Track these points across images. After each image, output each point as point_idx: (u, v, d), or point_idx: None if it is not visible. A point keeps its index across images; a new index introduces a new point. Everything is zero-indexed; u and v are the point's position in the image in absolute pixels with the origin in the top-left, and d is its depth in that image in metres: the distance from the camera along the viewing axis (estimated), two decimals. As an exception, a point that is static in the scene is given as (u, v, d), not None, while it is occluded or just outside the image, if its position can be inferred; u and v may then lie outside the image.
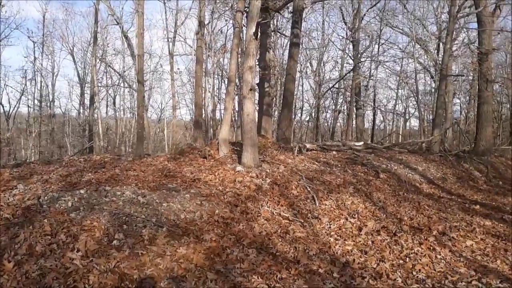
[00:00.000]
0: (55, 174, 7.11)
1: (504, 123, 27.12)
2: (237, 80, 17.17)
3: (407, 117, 30.62)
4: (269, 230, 5.81)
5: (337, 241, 5.86)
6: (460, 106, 28.68)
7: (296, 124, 28.37)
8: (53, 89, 29.61)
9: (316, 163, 9.94)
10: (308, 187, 7.84)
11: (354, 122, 24.52)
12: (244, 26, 10.84)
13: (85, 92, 29.05)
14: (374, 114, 26.32)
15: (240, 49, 12.92)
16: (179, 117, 30.99)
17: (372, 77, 24.73)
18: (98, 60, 25.46)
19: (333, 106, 26.96)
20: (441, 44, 19.49)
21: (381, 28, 22.71)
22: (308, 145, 11.77)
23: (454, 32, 19.43)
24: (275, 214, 6.45)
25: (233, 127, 22.26)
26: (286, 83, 13.19)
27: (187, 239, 4.92)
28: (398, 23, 21.54)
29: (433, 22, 21.84)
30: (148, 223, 5.08)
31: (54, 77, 29.48)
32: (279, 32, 19.24)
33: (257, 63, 15.17)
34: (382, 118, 31.89)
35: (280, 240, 5.55)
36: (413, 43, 19.11)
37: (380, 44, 23.66)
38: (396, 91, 27.91)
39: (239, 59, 15.83)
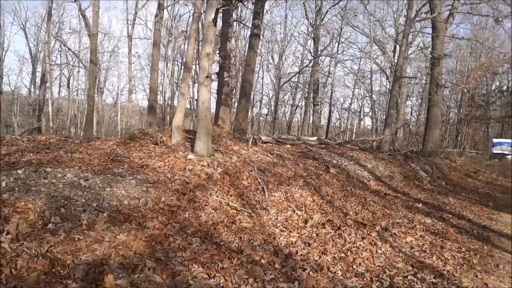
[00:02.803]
0: (-8, 153, 6.69)
1: (451, 127, 28.52)
2: (197, 67, 16.90)
3: (361, 116, 31.52)
4: (216, 220, 5.74)
5: (282, 233, 5.90)
6: (411, 108, 29.85)
7: (255, 117, 28.47)
8: (1, 64, 27.94)
9: (270, 155, 9.97)
10: (259, 178, 7.85)
11: (311, 118, 24.90)
12: (204, 12, 10.61)
13: (36, 70, 27.67)
14: (330, 111, 26.88)
15: (199, 35, 12.69)
16: (135, 102, 30.26)
17: (330, 75, 25.20)
18: (52, 38, 24.28)
19: (291, 101, 27.26)
20: (397, 46, 20.10)
21: (342, 27, 23.15)
22: (263, 137, 11.81)
23: (411, 36, 20.11)
24: (224, 203, 6.39)
25: (192, 115, 21.99)
26: (245, 74, 13.13)
27: (128, 226, 4.76)
28: (359, 24, 22.06)
29: (391, 25, 22.54)
30: (88, 208, 4.87)
31: (4, 52, 27.85)
32: (241, 23, 19.10)
33: (218, 52, 15.00)
34: (338, 116, 32.67)
35: (225, 230, 5.50)
36: (371, 44, 19.58)
37: (340, 42, 24.12)
38: (352, 90, 28.62)
39: (199, 46, 15.59)
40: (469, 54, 25.96)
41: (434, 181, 12.64)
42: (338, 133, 24.60)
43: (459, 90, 25.03)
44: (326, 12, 22.77)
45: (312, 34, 22.68)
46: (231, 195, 6.80)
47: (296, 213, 6.80)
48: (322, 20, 22.49)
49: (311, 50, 23.60)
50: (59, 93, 29.57)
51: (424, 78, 23.54)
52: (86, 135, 9.64)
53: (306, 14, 24.02)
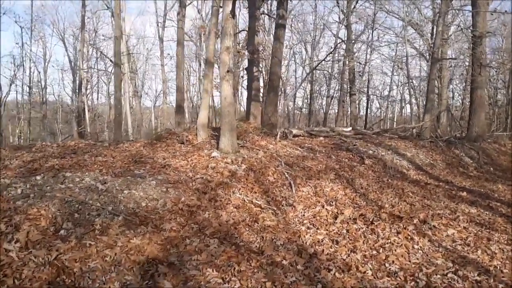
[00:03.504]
0: (18, 159, 6.77)
1: (500, 109, 26.63)
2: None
3: (403, 103, 30.25)
4: (237, 219, 5.47)
5: (308, 230, 5.52)
6: (453, 91, 28.20)
7: (291, 111, 28.01)
8: (45, 75, 28.96)
9: (300, 149, 9.59)
10: (286, 173, 7.49)
11: (348, 108, 24.10)
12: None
13: (76, 78, 28.54)
14: (368, 100, 25.94)
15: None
16: (170, 104, 30.64)
17: (366, 63, 24.26)
18: (87, 45, 24.98)
19: (326, 92, 26.56)
20: (435, 28, 18.96)
21: (375, 12, 22.17)
22: (294, 131, 11.42)
23: (450, 16, 18.93)
24: (247, 201, 6.10)
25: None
26: (272, 66, 12.73)
27: (144, 229, 4.59)
28: (394, 8, 20.99)
29: (428, 6, 21.31)
30: (103, 212, 4.74)
31: (46, 63, 28.83)
32: (269, 16, 18.67)
33: (246, 47, 14.70)
34: (378, 105, 31.52)
35: (247, 229, 5.21)
36: (404, 26, 18.58)
37: (375, 29, 23.14)
38: (391, 76, 27.50)
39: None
40: (515, 31, 24.09)
41: (480, 167, 11.72)
42: (376, 122, 23.61)
43: (506, 69, 23.30)
44: (358, -2, 21.89)
45: (344, 22, 21.87)
46: (255, 192, 6.50)
47: (325, 209, 6.39)
48: (354, 7, 21.65)
49: (344, 39, 22.78)
50: (97, 99, 30.42)
51: (467, 60, 22.12)
52: (115, 137, 9.66)
53: (337, 2, 23.25)
